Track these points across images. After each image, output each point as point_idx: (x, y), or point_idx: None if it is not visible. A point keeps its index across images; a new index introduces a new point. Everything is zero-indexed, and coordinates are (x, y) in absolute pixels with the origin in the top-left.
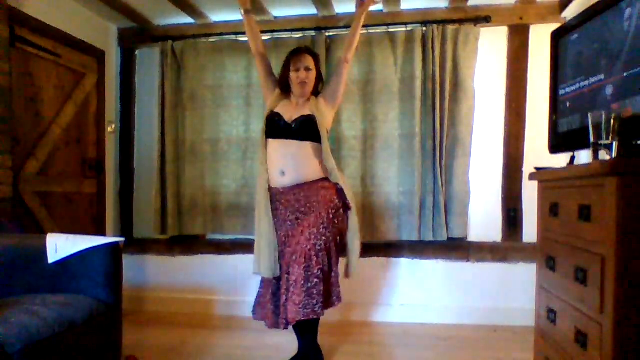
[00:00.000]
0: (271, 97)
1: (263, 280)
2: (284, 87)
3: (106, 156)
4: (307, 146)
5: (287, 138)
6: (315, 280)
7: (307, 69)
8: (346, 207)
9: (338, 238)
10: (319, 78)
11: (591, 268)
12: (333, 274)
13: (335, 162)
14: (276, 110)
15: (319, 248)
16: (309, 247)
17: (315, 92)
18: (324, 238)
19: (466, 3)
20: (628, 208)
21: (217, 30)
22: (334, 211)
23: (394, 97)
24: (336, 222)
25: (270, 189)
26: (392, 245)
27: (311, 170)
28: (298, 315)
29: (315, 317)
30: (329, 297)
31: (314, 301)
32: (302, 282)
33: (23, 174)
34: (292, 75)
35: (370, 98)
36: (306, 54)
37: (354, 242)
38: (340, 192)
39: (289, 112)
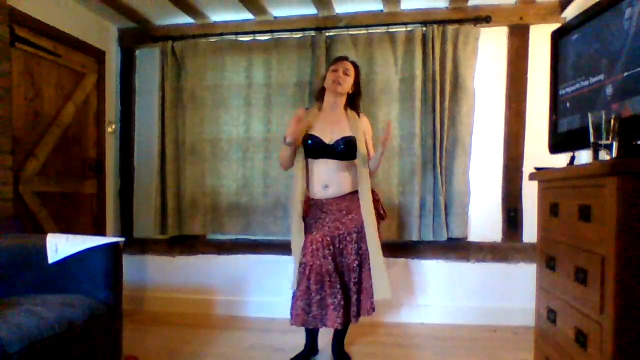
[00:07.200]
0: (297, 126)
1: (300, 282)
2: (318, 95)
3: (106, 156)
4: (347, 163)
5: (328, 158)
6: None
7: (345, 72)
8: (381, 217)
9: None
10: (357, 92)
11: (591, 268)
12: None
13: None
14: (311, 132)
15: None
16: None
17: (351, 103)
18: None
19: (466, 3)
20: (628, 208)
21: (217, 30)
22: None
23: (394, 97)
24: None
25: (312, 200)
26: (392, 245)
27: (351, 184)
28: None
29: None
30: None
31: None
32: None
33: (23, 174)
34: (329, 75)
35: (371, 98)
36: (348, 62)
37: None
38: (376, 202)
39: (326, 130)
